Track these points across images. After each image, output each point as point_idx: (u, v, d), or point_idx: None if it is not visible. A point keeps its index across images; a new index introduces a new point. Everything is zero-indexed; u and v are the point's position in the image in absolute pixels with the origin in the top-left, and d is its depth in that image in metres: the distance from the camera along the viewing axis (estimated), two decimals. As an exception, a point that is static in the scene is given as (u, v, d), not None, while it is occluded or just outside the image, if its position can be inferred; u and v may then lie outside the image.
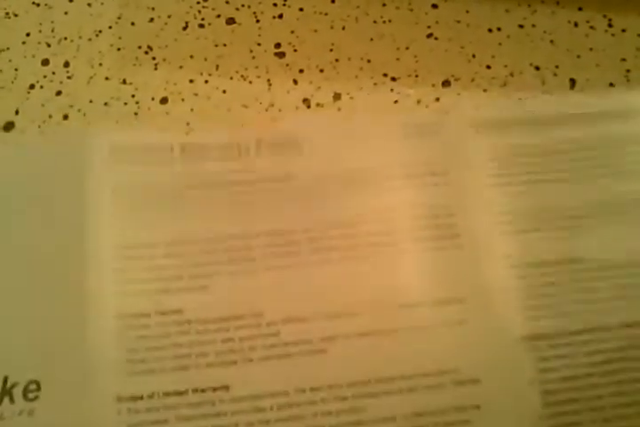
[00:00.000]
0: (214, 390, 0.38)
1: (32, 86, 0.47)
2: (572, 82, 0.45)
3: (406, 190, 0.42)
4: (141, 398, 0.38)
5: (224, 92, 0.46)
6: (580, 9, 0.47)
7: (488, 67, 0.46)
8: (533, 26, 0.47)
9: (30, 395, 0.37)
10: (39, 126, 0.45)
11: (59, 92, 0.46)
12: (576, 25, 0.46)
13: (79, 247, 0.40)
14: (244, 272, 0.40)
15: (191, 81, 0.47)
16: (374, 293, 0.40)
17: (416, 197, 0.42)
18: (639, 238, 0.41)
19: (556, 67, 0.45)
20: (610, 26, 0.46)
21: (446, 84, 0.45)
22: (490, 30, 0.47)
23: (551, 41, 0.46)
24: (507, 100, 0.44)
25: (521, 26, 0.47)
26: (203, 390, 0.38)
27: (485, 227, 0.41)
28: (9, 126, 0.45)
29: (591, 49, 0.45)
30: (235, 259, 0.41)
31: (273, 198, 0.42)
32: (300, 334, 0.39)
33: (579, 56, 0.45)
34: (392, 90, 0.46)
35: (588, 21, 0.46)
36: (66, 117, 0.46)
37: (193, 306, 0.40)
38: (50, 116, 0.46)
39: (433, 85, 0.46)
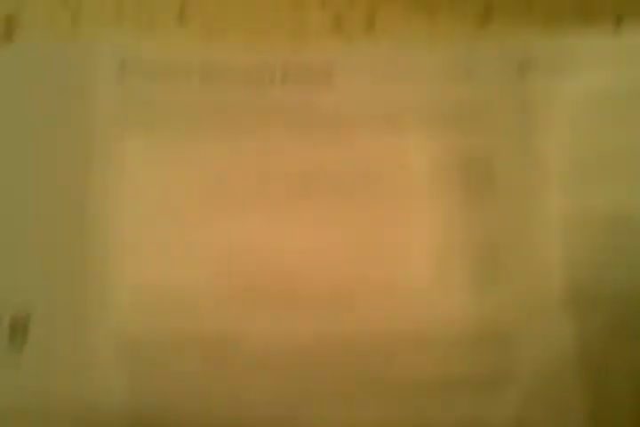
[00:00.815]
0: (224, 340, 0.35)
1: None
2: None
3: (444, 132, 0.39)
4: (143, 342, 0.35)
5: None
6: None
7: None
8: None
9: (17, 340, 0.34)
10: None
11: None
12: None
13: (83, 171, 0.37)
14: (261, 206, 0.37)
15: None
16: (400, 240, 0.37)
17: (453, 141, 0.39)
18: None
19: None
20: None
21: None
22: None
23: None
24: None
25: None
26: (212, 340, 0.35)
27: (527, 175, 0.38)
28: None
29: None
30: (252, 190, 0.38)
31: (298, 130, 0.39)
32: (324, 277, 0.36)
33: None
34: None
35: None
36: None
37: (204, 240, 0.37)
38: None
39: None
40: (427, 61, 0.40)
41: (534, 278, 0.36)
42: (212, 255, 0.36)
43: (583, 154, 0.38)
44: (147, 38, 0.41)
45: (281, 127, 0.38)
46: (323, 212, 0.37)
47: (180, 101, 0.38)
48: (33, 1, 0.42)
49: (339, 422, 0.34)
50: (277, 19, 0.42)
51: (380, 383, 0.35)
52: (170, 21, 0.42)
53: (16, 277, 0.35)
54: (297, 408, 0.34)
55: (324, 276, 0.36)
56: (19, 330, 0.34)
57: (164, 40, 0.41)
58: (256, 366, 0.34)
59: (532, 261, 0.36)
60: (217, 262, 0.36)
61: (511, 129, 0.38)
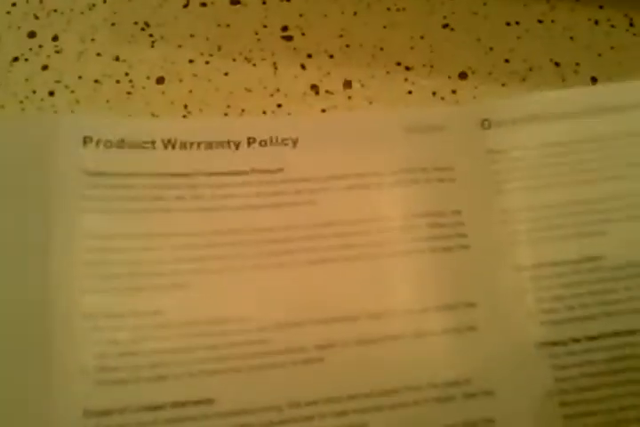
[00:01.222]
0: (196, 403, 0.34)
1: (16, 59, 0.44)
2: (594, 80, 0.43)
3: (408, 188, 0.39)
4: (112, 412, 0.33)
5: (226, 74, 0.44)
6: (600, 7, 0.45)
7: (506, 60, 0.44)
8: (553, 21, 0.45)
9: None
10: (21, 102, 0.42)
11: (45, 67, 0.44)
12: (596, 23, 0.45)
13: (43, 236, 0.36)
14: (231, 270, 0.37)
15: (191, 61, 0.44)
16: (375, 295, 0.37)
17: (419, 195, 0.39)
18: None
19: (577, 64, 0.43)
20: (631, 25, 0.45)
21: (463, 75, 0.43)
22: (508, 24, 0.45)
23: (571, 37, 0.44)
24: (524, 95, 0.42)
25: (540, 21, 0.45)
26: (183, 404, 0.34)
27: (494, 225, 0.38)
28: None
29: (612, 47, 0.44)
30: (221, 255, 0.37)
31: (262, 192, 0.38)
32: (294, 340, 0.36)
33: (600, 54, 0.44)
34: (406, 79, 0.43)
35: (608, 19, 0.45)
36: (52, 94, 0.43)
37: (173, 306, 0.36)
38: (34, 92, 0.43)
39: (449, 77, 0.43)
40: (393, 122, 0.40)
41: (511, 327, 0.36)
42: (182, 322, 0.35)
43: (548, 203, 0.38)
44: (109, 114, 0.42)
45: (249, 190, 0.38)
46: (295, 274, 0.37)
47: (144, 171, 0.38)
48: None
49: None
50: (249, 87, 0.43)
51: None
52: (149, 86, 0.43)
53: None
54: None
55: (297, 339, 0.35)
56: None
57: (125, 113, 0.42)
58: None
59: (507, 311, 0.36)
60: (187, 331, 0.35)
61: (478, 182, 0.39)
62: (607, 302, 0.37)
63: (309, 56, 0.44)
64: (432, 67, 0.44)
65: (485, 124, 0.40)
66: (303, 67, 0.44)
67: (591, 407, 0.35)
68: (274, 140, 0.39)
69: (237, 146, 0.39)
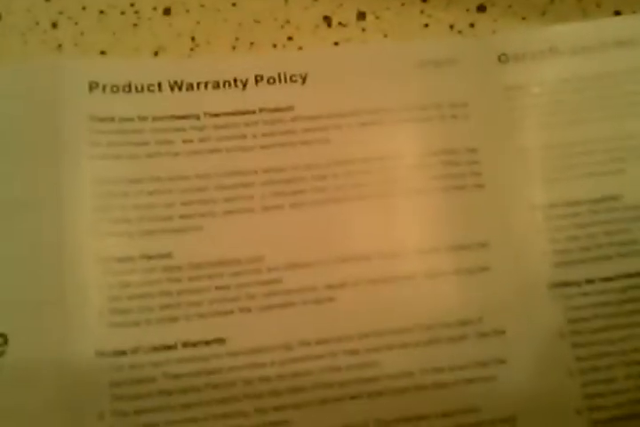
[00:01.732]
0: (207, 343, 0.35)
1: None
2: (617, 14, 0.41)
3: (422, 124, 0.39)
4: (124, 353, 0.34)
5: (234, 4, 0.43)
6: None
7: (528, -7, 0.42)
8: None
9: None
10: (23, 34, 0.41)
11: (48, -4, 0.42)
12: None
13: (54, 183, 0.36)
14: (241, 211, 0.37)
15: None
16: (388, 235, 0.37)
17: (433, 132, 0.39)
18: None
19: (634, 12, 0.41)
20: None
21: (482, 8, 0.42)
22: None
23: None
24: (543, 28, 0.41)
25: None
26: (194, 344, 0.35)
27: (510, 164, 0.38)
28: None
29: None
30: (231, 197, 0.37)
31: (272, 131, 0.38)
32: (305, 280, 0.36)
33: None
34: (422, 12, 0.42)
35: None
36: (54, 26, 0.42)
37: (183, 249, 0.36)
38: (37, 23, 0.42)
39: (467, 10, 0.42)
40: (407, 56, 0.40)
41: (523, 265, 0.36)
42: (193, 264, 0.36)
43: (565, 141, 0.38)
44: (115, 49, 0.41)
45: (258, 130, 0.38)
46: (307, 214, 0.37)
47: (151, 114, 0.38)
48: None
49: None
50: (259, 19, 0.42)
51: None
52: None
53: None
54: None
55: (308, 279, 0.36)
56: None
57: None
58: (241, 365, 0.34)
59: (520, 251, 0.37)
60: (198, 273, 0.36)
61: (494, 119, 0.39)
62: (623, 243, 0.36)
63: (322, -16, 0.42)
64: (450, -1, 0.42)
65: (502, 58, 0.39)
66: (316, -1, 0.42)
67: (604, 349, 0.35)
68: (282, 77, 0.39)
69: (245, 84, 0.39)
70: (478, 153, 0.38)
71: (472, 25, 0.41)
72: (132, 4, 0.42)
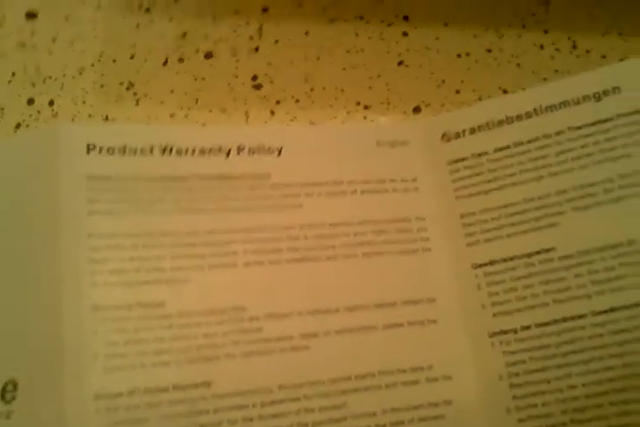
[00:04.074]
0: (196, 386, 0.38)
1: (18, 125, 0.48)
2: (545, 80, 0.46)
3: (379, 196, 0.43)
4: (121, 395, 0.37)
5: (203, 125, 0.47)
6: (545, 31, 0.48)
7: (457, 92, 0.47)
8: (501, 50, 0.48)
9: (8, 396, 0.37)
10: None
11: (44, 131, 0.48)
12: (542, 47, 0.47)
13: (53, 237, 0.39)
14: (226, 266, 0.40)
15: (171, 115, 0.48)
16: (352, 291, 0.41)
17: (388, 203, 0.43)
18: (611, 224, 0.41)
19: (523, 90, 0.46)
20: (574, 47, 0.47)
21: (417, 110, 0.47)
22: (459, 55, 0.48)
23: (518, 64, 0.47)
24: (477, 105, 0.46)
25: (489, 50, 0.48)
26: (184, 387, 0.38)
27: (453, 229, 0.43)
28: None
29: (556, 71, 0.46)
30: (216, 253, 0.41)
31: (251, 195, 0.42)
32: (283, 330, 0.40)
33: (545, 78, 0.46)
34: (365, 117, 0.47)
35: (553, 43, 0.47)
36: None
37: (173, 299, 0.39)
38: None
39: (404, 112, 0.47)
40: (367, 137, 0.45)
41: (467, 318, 0.41)
42: (183, 313, 0.39)
43: (502, 204, 0.42)
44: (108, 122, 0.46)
45: (240, 193, 0.42)
46: (283, 269, 0.41)
47: (143, 175, 0.42)
48: None
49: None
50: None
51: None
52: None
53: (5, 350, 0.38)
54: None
55: (286, 329, 0.40)
56: (9, 390, 0.37)
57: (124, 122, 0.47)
58: (226, 407, 0.38)
59: (463, 305, 0.41)
60: (187, 321, 0.39)
61: (439, 190, 0.44)
62: (558, 290, 0.40)
63: (278, 102, 0.47)
64: (389, 104, 0.47)
65: (445, 137, 0.45)
66: (272, 113, 0.47)
67: (540, 388, 0.39)
68: (261, 149, 0.43)
69: (228, 153, 0.43)
70: (426, 221, 0.43)
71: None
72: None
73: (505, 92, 0.46)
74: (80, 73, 0.50)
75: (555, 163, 0.42)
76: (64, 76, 0.50)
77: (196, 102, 0.48)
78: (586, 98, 0.43)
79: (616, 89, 0.43)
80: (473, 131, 0.44)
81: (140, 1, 0.51)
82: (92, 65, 0.50)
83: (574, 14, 0.48)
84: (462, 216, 0.43)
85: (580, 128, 0.42)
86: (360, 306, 0.41)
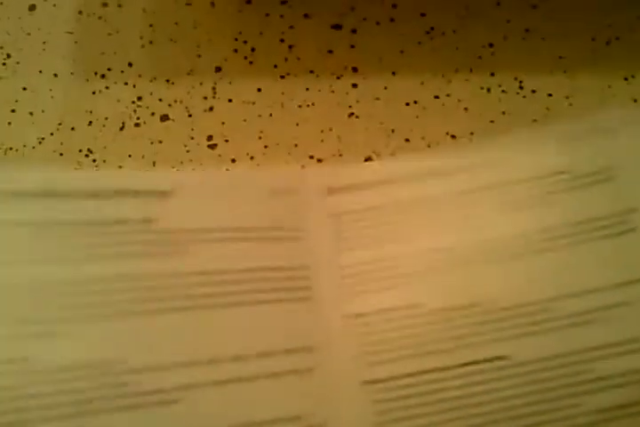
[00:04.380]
0: None
1: (-18, 196, 0.49)
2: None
3: (266, 244, 0.43)
4: None
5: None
6: (492, 74, 0.48)
7: (407, 140, 0.47)
8: (448, 95, 0.48)
9: None
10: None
11: (8, 200, 0.48)
12: (489, 90, 0.48)
13: None
14: (99, 317, 0.39)
15: (131, 179, 0.48)
16: (232, 340, 0.40)
17: (276, 250, 0.43)
18: (482, 282, 0.42)
19: (471, 133, 0.46)
20: (521, 88, 0.47)
21: (368, 160, 0.47)
22: (407, 104, 0.48)
23: (465, 108, 0.47)
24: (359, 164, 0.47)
25: (436, 96, 0.48)
26: None
27: (332, 279, 0.43)
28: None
29: (503, 112, 0.47)
30: (89, 303, 0.39)
31: (134, 241, 0.42)
32: (155, 382, 0.38)
33: (492, 121, 0.46)
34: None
35: (500, 85, 0.48)
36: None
37: (40, 354, 0.37)
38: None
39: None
40: (259, 184, 0.46)
41: (341, 367, 0.41)
42: (51, 368, 0.38)
43: (378, 258, 0.44)
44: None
45: (119, 239, 0.42)
46: (162, 319, 0.40)
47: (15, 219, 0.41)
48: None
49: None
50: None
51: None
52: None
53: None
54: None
55: (159, 381, 0.38)
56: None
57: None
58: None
59: (338, 354, 0.41)
60: (54, 377, 0.37)
61: (322, 241, 0.44)
62: (423, 343, 0.41)
63: (233, 161, 0.48)
64: (341, 155, 0.47)
65: (329, 190, 0.46)
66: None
67: None
68: (148, 193, 0.43)
69: (109, 196, 0.42)
70: (310, 269, 0.43)
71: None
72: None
73: (453, 137, 0.46)
74: (40, 142, 0.50)
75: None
76: (24, 146, 0.50)
77: (154, 165, 0.49)
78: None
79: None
80: (350, 188, 0.45)
81: (95, 67, 0.52)
82: (52, 134, 0.51)
83: (520, 55, 0.48)
84: (342, 268, 0.43)
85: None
86: (242, 356, 0.40)
